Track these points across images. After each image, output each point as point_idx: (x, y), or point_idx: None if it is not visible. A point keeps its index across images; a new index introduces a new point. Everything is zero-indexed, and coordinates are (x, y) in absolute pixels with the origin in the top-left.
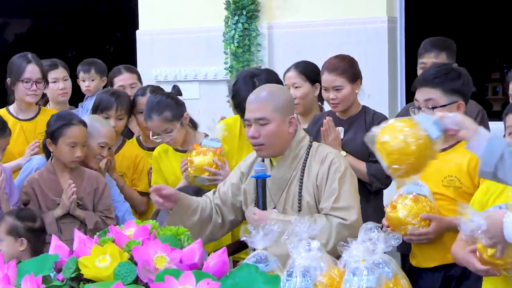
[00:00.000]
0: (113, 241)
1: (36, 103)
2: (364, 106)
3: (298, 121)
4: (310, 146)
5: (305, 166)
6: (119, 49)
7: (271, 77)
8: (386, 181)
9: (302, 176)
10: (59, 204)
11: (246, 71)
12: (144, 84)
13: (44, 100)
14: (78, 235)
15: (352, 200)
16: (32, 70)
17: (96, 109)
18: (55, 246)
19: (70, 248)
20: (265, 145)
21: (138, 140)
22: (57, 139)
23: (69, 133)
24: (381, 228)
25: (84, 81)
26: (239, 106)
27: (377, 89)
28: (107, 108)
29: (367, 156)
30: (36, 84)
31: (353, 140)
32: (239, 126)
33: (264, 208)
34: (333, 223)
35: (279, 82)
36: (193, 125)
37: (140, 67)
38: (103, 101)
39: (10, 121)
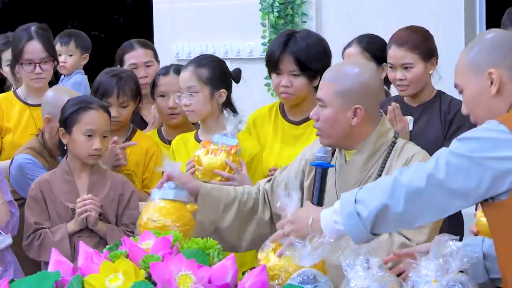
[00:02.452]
0: (127, 256)
1: (49, 84)
2: (439, 91)
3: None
4: (393, 143)
5: (384, 167)
6: (131, 19)
7: (316, 37)
8: None
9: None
10: (74, 212)
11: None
12: (160, 63)
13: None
14: (83, 248)
15: None
16: (33, 49)
17: (94, 94)
18: (56, 261)
19: None
20: (322, 132)
21: (159, 131)
22: (71, 127)
23: (85, 119)
24: (460, 240)
25: (60, 55)
26: (266, 62)
27: (451, 69)
28: (107, 93)
29: None
30: (40, 66)
31: (424, 133)
32: (274, 113)
33: (319, 204)
34: (395, 241)
35: (326, 49)
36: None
37: (157, 42)
38: (102, 84)
39: (17, 106)
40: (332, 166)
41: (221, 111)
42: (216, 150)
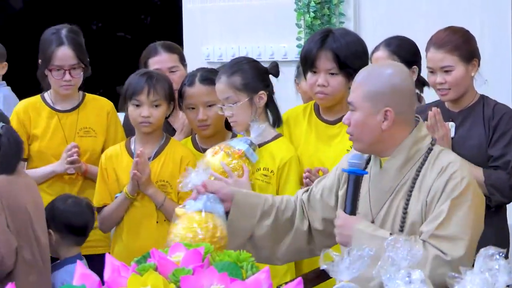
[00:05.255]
0: (156, 269)
1: (79, 89)
2: (482, 95)
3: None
4: (430, 150)
5: (418, 175)
6: (159, 20)
7: (354, 35)
8: (510, 193)
9: (413, 187)
10: None
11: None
12: (190, 66)
13: None
14: (110, 260)
15: (464, 230)
16: (63, 56)
17: (124, 96)
18: (81, 275)
19: None
20: (353, 137)
21: (193, 140)
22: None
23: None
24: (506, 255)
25: None
26: (301, 61)
27: (496, 72)
28: (136, 92)
29: (486, 160)
30: (70, 73)
31: (467, 139)
32: (309, 112)
33: (352, 212)
34: (430, 254)
35: (364, 48)
36: (275, 118)
37: (186, 44)
38: (132, 83)
39: (45, 111)
40: (365, 173)
41: (266, 112)
42: (218, 152)
